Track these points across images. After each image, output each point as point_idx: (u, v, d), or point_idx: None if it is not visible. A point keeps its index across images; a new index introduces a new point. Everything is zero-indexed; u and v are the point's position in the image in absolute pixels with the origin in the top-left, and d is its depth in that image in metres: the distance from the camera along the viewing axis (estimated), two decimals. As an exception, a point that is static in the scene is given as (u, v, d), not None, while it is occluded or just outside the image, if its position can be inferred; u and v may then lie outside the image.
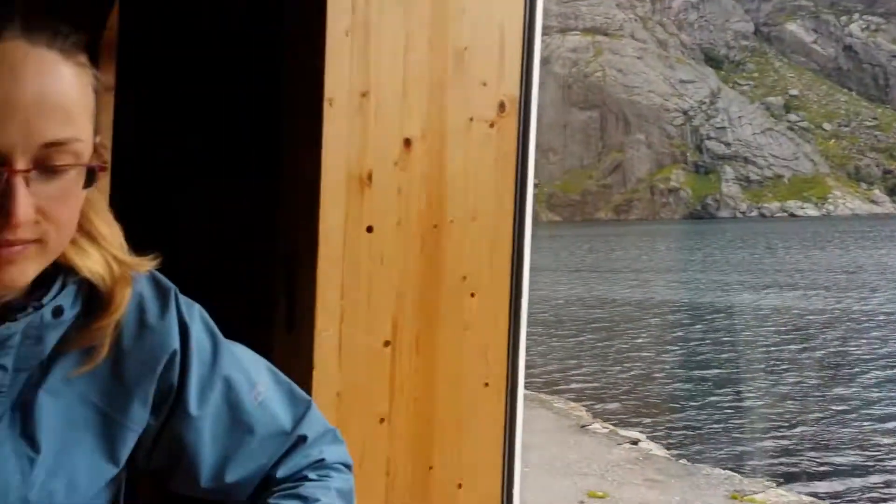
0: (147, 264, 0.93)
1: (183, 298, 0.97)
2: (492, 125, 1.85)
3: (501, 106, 1.85)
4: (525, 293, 1.88)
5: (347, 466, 1.06)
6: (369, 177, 1.67)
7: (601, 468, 7.44)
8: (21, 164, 0.73)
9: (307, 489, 0.96)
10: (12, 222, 0.73)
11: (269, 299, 2.03)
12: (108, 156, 0.84)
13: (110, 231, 0.91)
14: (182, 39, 2.50)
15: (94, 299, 0.89)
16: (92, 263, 0.87)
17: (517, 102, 1.88)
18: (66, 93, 0.77)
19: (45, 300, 0.83)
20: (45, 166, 0.75)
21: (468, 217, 1.80)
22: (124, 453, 0.93)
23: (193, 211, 2.39)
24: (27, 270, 0.78)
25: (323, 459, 1.02)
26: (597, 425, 9.40)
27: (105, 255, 0.89)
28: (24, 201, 0.73)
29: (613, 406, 11.08)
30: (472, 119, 1.81)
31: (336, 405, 1.61)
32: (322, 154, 1.62)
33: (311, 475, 1.00)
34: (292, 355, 1.68)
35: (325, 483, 0.99)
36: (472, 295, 1.81)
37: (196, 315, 0.98)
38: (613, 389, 12.03)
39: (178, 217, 2.45)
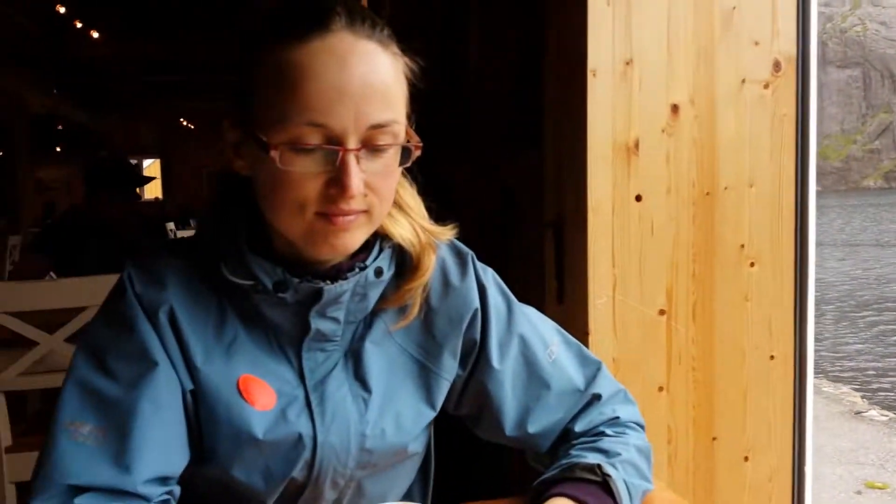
0: (448, 233, 1.02)
1: (478, 263, 1.06)
2: (766, 86, 1.75)
3: (776, 65, 1.75)
4: (811, 263, 1.76)
5: (641, 426, 1.09)
6: (636, 145, 1.66)
7: (880, 457, 6.80)
8: (352, 143, 0.83)
9: (607, 443, 1.00)
10: (347, 194, 0.82)
11: (536, 270, 2.09)
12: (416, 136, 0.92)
13: (416, 202, 1.01)
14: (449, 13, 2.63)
15: (404, 263, 0.99)
16: (403, 231, 0.97)
17: (794, 61, 1.76)
18: (386, 79, 0.86)
19: (367, 262, 0.93)
20: (371, 146, 0.84)
21: (744, 183, 1.73)
22: (439, 399, 1.03)
23: (464, 184, 2.50)
24: (357, 237, 0.88)
25: (618, 417, 1.06)
26: (874, 412, 8.60)
27: (413, 223, 0.98)
28: (357, 176, 0.83)
29: (894, 394, 10.02)
30: (743, 81, 1.73)
31: (613, 372, 1.63)
32: (587, 125, 1.63)
33: (608, 431, 1.03)
34: (565, 325, 1.72)
35: (624, 439, 1.02)
36: (752, 264, 1.73)
37: (490, 277, 1.07)
38: (892, 376, 10.89)
39: (451, 190, 2.59)
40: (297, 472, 0.94)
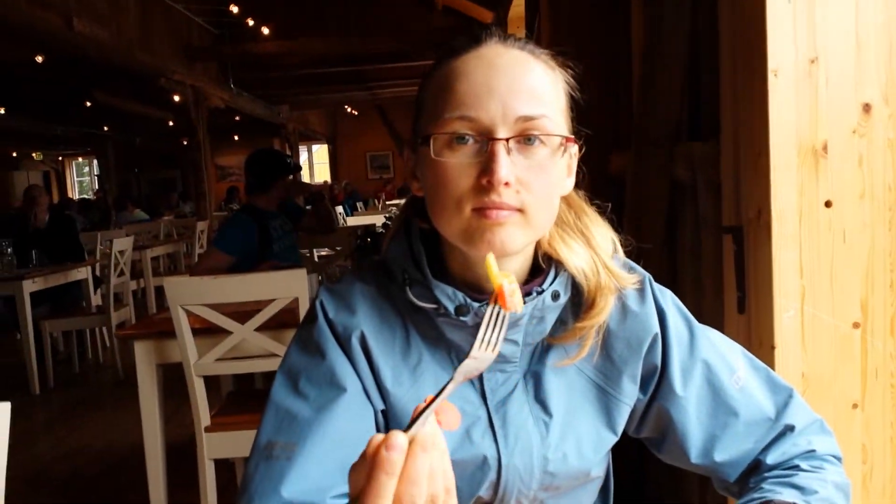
0: (631, 281, 1.01)
1: (656, 285, 1.05)
2: (971, 79, 1.60)
3: (983, 57, 1.60)
4: None
5: (839, 459, 1.04)
6: (824, 147, 1.57)
7: None
8: (501, 134, 0.86)
9: (802, 479, 0.96)
10: (495, 179, 0.85)
11: (712, 275, 2.02)
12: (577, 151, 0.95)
13: (604, 241, 1.01)
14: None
15: (580, 300, 0.99)
16: (579, 261, 0.97)
17: None
18: (535, 80, 0.90)
19: (545, 286, 0.95)
20: (520, 137, 0.87)
21: (948, 186, 1.60)
22: (620, 423, 1.03)
23: (634, 179, 2.46)
24: (513, 236, 0.89)
25: (814, 450, 1.01)
26: None
27: (594, 259, 0.98)
28: (505, 165, 0.85)
29: None
30: (945, 75, 1.60)
31: (802, 388, 1.56)
32: (769, 129, 1.56)
33: (803, 465, 1.00)
34: (749, 338, 1.66)
35: (821, 475, 0.98)
36: (958, 273, 1.60)
37: (669, 300, 1.05)
38: None
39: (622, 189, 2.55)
40: (483, 492, 0.98)
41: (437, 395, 0.62)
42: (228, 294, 2.67)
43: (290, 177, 4.01)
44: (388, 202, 13.75)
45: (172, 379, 2.97)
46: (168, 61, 9.50)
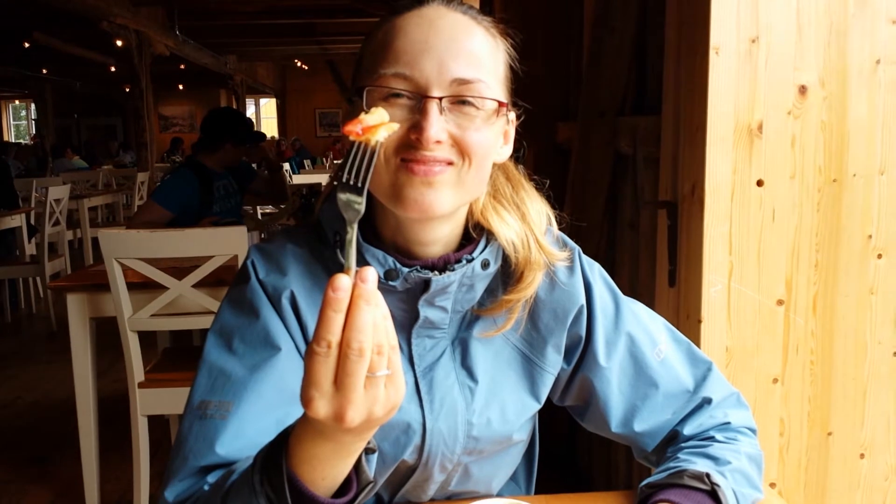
0: (561, 257, 1.02)
1: (585, 258, 1.06)
2: (905, 67, 1.65)
3: (917, 45, 1.64)
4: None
5: (753, 431, 1.08)
6: (759, 127, 1.60)
7: None
8: (435, 94, 0.86)
9: (717, 450, 1.00)
10: (425, 136, 0.84)
11: (648, 249, 2.06)
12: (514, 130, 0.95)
13: (538, 216, 1.01)
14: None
15: (507, 268, 0.99)
16: (510, 233, 0.97)
17: (937, 40, 1.64)
18: (474, 44, 0.89)
19: (475, 254, 0.95)
20: (454, 98, 0.87)
21: (874, 171, 1.64)
22: (543, 392, 1.05)
23: (578, 151, 2.48)
24: (443, 197, 0.88)
25: (729, 422, 1.05)
26: None
27: (526, 234, 0.98)
28: (436, 122, 0.85)
29: None
30: (878, 61, 1.63)
31: (725, 362, 1.61)
32: (708, 104, 1.58)
33: (719, 436, 1.03)
34: (677, 310, 1.70)
35: (734, 446, 1.01)
36: (879, 256, 1.66)
37: (597, 273, 1.07)
38: None
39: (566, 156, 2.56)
40: (408, 456, 0.99)
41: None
42: (166, 249, 2.62)
43: (245, 146, 3.88)
44: (335, 161, 13.59)
45: (108, 333, 2.92)
46: (112, 4, 9.15)
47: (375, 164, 0.78)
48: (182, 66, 14.49)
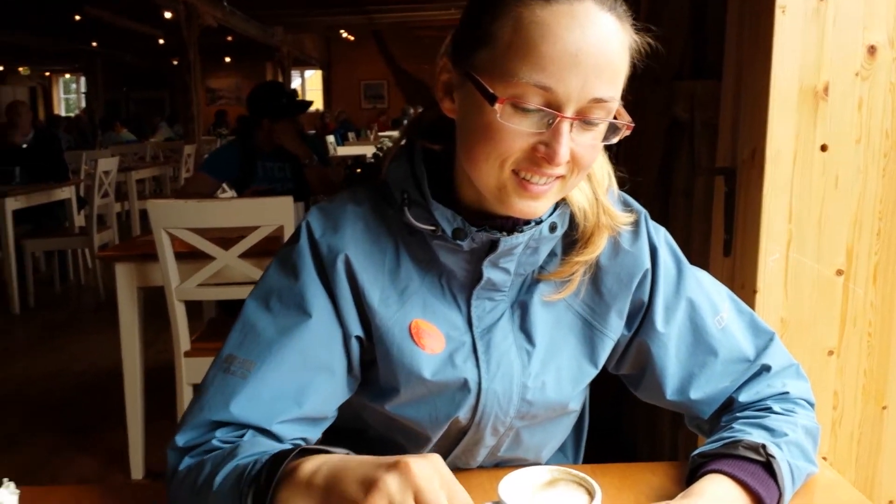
0: (627, 220, 0.99)
1: (651, 223, 1.03)
2: (981, 25, 1.55)
3: None
4: None
5: (811, 404, 1.04)
6: (825, 89, 1.53)
7: None
8: (570, 112, 0.82)
9: (773, 421, 0.96)
10: (554, 161, 0.82)
11: (703, 217, 2.00)
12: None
13: (602, 175, 0.99)
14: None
15: (570, 231, 0.97)
16: (580, 198, 0.97)
17: None
18: (618, 56, 0.84)
19: (543, 217, 0.93)
20: (585, 118, 0.83)
21: (947, 134, 1.56)
22: (602, 357, 1.03)
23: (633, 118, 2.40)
24: (546, 204, 0.89)
25: (787, 392, 1.02)
26: None
27: (595, 196, 0.97)
28: (567, 145, 0.82)
29: None
30: (953, 18, 1.55)
31: (781, 333, 1.55)
32: (772, 65, 1.52)
33: (776, 407, 1.00)
34: (732, 281, 1.65)
35: (791, 418, 0.98)
36: (947, 226, 1.59)
37: (662, 238, 1.04)
38: None
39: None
40: (462, 415, 0.98)
41: None
42: (213, 219, 2.63)
43: (284, 120, 3.64)
44: (380, 133, 13.60)
45: (155, 303, 2.95)
46: (160, -24, 9.22)
47: (488, 165, 0.83)
48: (229, 38, 14.58)
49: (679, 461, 1.00)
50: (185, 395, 2.75)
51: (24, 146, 5.93)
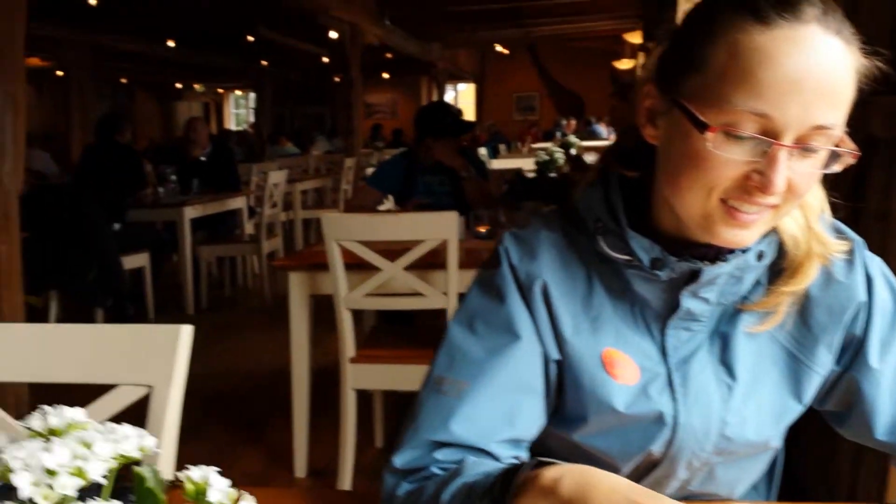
0: (839, 248, 0.94)
1: (867, 252, 0.97)
2: None
3: None
4: None
5: None
6: None
7: None
8: (788, 140, 0.78)
9: None
10: (768, 191, 0.79)
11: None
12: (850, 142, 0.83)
13: (816, 201, 0.94)
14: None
15: (782, 264, 0.93)
16: (791, 225, 0.92)
17: None
18: (842, 81, 0.79)
19: (751, 244, 0.88)
20: (804, 146, 0.79)
21: None
22: (809, 394, 0.98)
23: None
24: (756, 234, 0.85)
25: None
26: None
27: (807, 224, 0.92)
28: (783, 174, 0.78)
29: None
30: None
31: None
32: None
33: None
34: None
35: None
36: None
37: (878, 268, 0.99)
38: None
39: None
40: (655, 448, 0.95)
41: None
42: (381, 232, 2.72)
43: (447, 139, 3.73)
44: (533, 145, 13.57)
45: (316, 310, 3.07)
46: (328, -3, 9.63)
47: (693, 194, 0.80)
48: (388, 55, 15.03)
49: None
50: (349, 398, 2.84)
51: (203, 159, 6.36)
